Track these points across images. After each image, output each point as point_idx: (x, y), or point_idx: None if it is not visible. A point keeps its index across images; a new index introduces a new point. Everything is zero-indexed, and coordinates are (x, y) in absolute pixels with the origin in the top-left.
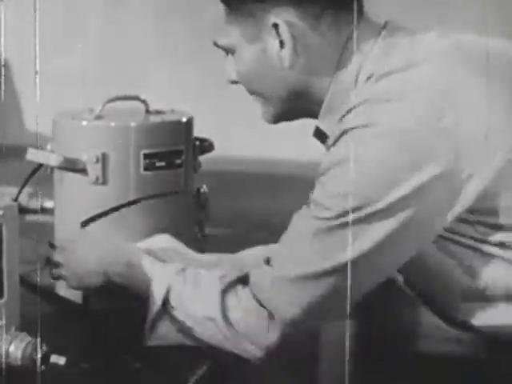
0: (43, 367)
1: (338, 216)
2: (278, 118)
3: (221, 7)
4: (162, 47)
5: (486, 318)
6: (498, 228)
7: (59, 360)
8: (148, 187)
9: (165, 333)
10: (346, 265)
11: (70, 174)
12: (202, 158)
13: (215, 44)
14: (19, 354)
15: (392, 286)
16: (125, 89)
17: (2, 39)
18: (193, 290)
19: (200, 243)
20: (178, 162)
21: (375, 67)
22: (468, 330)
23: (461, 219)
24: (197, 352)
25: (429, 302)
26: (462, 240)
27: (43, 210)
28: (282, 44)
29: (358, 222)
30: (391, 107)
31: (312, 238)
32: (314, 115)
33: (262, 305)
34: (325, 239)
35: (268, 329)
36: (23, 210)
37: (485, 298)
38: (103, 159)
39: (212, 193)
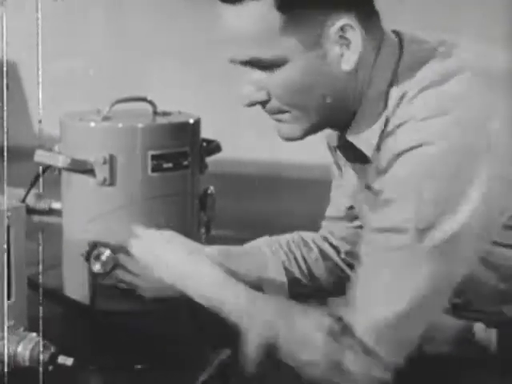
0: (51, 368)
1: (416, 238)
2: (307, 132)
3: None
4: (170, 48)
5: None
6: None
7: (67, 361)
8: (155, 188)
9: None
10: (430, 294)
11: (78, 176)
12: (209, 160)
13: (253, 61)
14: (27, 354)
15: None
16: (132, 90)
17: (4, 42)
18: (296, 334)
19: (206, 244)
20: (185, 163)
21: (407, 82)
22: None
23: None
24: (203, 348)
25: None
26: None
27: (51, 212)
28: (347, 47)
29: (438, 241)
30: (438, 123)
31: (392, 270)
32: (338, 126)
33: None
34: (405, 269)
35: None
36: (31, 211)
37: None
38: (111, 160)
39: (218, 194)
